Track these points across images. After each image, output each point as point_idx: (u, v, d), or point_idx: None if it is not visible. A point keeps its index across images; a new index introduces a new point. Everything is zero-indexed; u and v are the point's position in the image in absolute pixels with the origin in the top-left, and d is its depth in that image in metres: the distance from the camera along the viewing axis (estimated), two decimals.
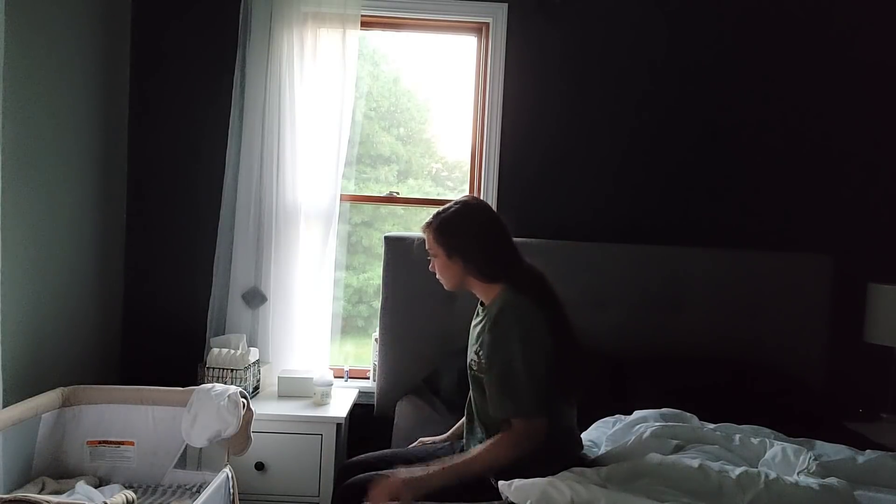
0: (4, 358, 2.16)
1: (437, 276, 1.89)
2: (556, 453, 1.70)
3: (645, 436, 1.88)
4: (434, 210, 1.89)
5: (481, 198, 2.97)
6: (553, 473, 1.58)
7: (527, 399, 1.63)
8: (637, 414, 2.13)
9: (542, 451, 1.64)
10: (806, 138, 3.03)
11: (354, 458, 1.91)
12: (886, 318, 2.80)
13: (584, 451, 1.90)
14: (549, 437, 1.66)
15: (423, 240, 1.89)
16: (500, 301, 1.74)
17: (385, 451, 2.06)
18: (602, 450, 1.95)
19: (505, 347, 1.66)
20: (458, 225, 1.81)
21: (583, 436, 2.09)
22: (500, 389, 1.66)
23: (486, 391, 1.70)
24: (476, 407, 1.82)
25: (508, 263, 1.80)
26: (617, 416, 2.19)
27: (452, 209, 1.83)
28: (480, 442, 1.75)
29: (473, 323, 1.90)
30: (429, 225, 1.85)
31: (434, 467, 1.64)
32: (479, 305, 1.91)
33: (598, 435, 2.08)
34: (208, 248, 2.88)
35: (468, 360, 1.83)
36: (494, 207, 2.98)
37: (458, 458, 1.68)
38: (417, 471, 1.63)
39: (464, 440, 1.91)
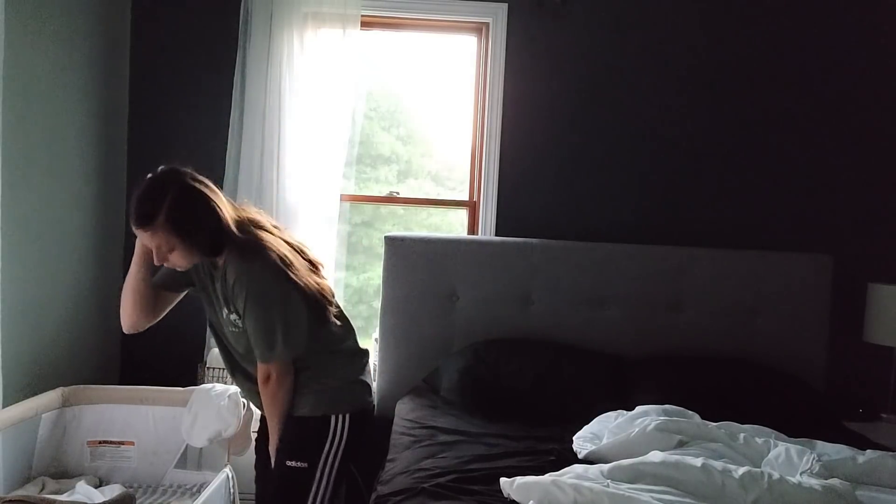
0: (4, 358, 2.15)
1: (167, 266, 1.90)
2: (347, 362, 2.05)
3: (649, 428, 1.87)
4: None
5: (477, 198, 2.98)
6: (352, 377, 2.03)
7: (280, 346, 1.87)
8: (639, 409, 2.12)
9: (335, 366, 2.00)
10: (806, 138, 3.03)
11: None
12: (886, 318, 2.80)
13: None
14: (335, 355, 2.03)
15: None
16: (233, 268, 1.85)
17: None
18: (605, 440, 1.95)
19: (254, 308, 1.85)
20: (188, 213, 1.82)
21: (584, 429, 2.10)
22: (258, 341, 1.87)
23: (252, 339, 1.89)
24: (240, 358, 2.00)
25: (227, 233, 1.86)
26: (619, 410, 2.19)
27: (170, 197, 1.80)
28: (248, 380, 2.00)
29: (211, 283, 1.98)
30: (151, 223, 1.78)
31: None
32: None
33: (601, 428, 2.07)
34: None
35: (224, 320, 1.95)
36: (494, 207, 2.99)
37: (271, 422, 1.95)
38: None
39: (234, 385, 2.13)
